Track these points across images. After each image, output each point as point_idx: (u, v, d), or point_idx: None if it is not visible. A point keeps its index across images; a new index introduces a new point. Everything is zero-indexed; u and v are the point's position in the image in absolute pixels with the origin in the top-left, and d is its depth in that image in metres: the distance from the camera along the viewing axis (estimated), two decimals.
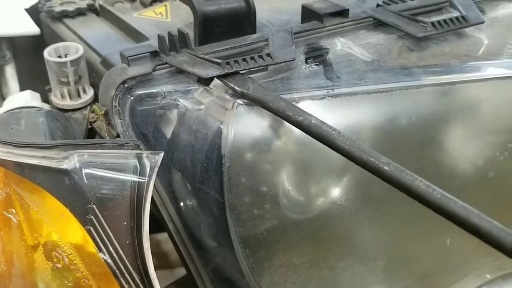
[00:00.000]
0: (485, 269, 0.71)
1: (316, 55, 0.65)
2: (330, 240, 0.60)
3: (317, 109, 0.59)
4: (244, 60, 0.59)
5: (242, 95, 0.55)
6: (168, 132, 0.59)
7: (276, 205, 0.56)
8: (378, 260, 0.62)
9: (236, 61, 0.59)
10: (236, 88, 0.55)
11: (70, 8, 0.82)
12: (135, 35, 0.74)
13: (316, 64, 0.64)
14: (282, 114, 0.51)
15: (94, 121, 0.69)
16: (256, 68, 0.60)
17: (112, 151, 0.51)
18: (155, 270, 0.76)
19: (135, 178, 0.50)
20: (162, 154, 0.50)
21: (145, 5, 0.83)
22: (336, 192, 0.60)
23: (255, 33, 0.70)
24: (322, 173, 0.59)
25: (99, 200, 0.50)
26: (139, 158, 0.50)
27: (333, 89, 0.60)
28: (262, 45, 0.65)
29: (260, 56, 0.60)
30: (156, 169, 0.50)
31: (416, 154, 0.63)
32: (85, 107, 0.70)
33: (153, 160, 0.50)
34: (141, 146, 0.52)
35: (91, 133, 0.68)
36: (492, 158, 0.65)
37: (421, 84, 0.62)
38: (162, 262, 0.87)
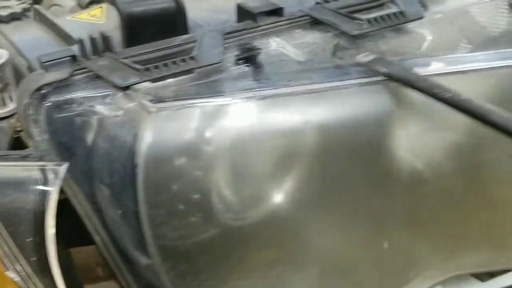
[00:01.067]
0: (433, 272, 0.69)
1: (248, 56, 0.63)
2: (260, 249, 0.58)
3: (242, 112, 0.57)
4: (165, 65, 0.57)
5: (387, 76, 0.57)
6: (87, 140, 0.56)
7: (198, 215, 0.54)
8: (312, 268, 0.60)
9: (156, 67, 0.56)
10: (381, 69, 0.57)
11: (4, 12, 0.79)
12: (67, 38, 0.71)
13: (246, 66, 0.62)
14: (430, 92, 0.53)
15: (21, 130, 0.66)
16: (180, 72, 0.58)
17: (14, 163, 0.48)
18: (101, 281, 0.73)
19: (38, 191, 0.47)
20: (66, 165, 0.48)
21: (82, 7, 0.81)
22: (265, 198, 0.57)
23: (187, 33, 0.67)
24: (249, 179, 0.57)
25: (2, 215, 0.47)
26: (43, 170, 0.48)
27: (260, 91, 0.58)
28: (191, 47, 0.62)
29: (183, 60, 0.58)
30: (60, 181, 0.47)
31: (350, 156, 0.60)
32: (12, 115, 0.67)
33: (57, 172, 0.48)
34: (45, 158, 0.49)
35: (18, 142, 0.65)
36: (432, 160, 0.62)
37: (353, 83, 0.60)
38: (107, 273, 0.84)
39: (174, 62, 0.57)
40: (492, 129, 0.49)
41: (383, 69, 0.58)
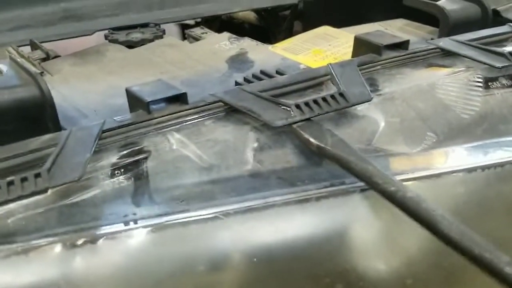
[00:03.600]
0: None
1: (129, 163, 0.46)
2: None
3: (104, 253, 0.39)
4: None
5: (318, 150, 0.45)
6: None
7: None
8: None
9: None
10: (312, 140, 0.45)
11: None
12: None
13: (126, 178, 0.44)
14: (368, 180, 0.41)
15: None
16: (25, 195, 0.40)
17: None
18: None
19: None
20: None
21: None
22: None
23: (59, 129, 0.51)
24: None
25: None
26: None
27: (135, 220, 0.41)
28: (51, 152, 0.45)
29: (25, 179, 0.40)
30: None
31: None
32: None
33: None
34: None
35: None
36: None
37: (274, 201, 0.43)
38: None
39: (11, 183, 0.40)
40: (440, 240, 0.37)
41: (314, 141, 0.45)
